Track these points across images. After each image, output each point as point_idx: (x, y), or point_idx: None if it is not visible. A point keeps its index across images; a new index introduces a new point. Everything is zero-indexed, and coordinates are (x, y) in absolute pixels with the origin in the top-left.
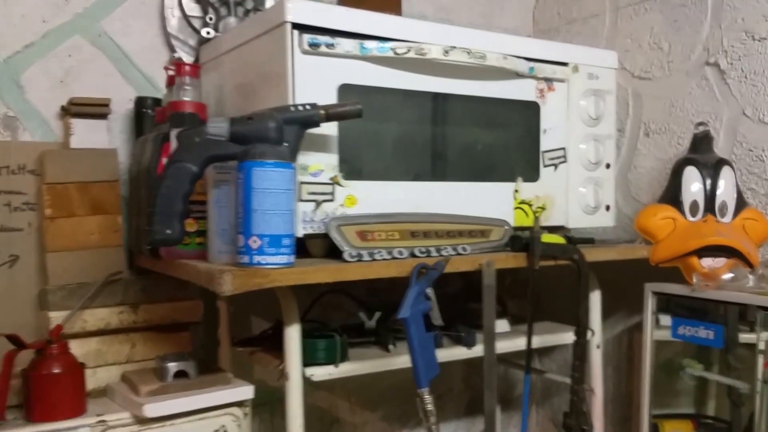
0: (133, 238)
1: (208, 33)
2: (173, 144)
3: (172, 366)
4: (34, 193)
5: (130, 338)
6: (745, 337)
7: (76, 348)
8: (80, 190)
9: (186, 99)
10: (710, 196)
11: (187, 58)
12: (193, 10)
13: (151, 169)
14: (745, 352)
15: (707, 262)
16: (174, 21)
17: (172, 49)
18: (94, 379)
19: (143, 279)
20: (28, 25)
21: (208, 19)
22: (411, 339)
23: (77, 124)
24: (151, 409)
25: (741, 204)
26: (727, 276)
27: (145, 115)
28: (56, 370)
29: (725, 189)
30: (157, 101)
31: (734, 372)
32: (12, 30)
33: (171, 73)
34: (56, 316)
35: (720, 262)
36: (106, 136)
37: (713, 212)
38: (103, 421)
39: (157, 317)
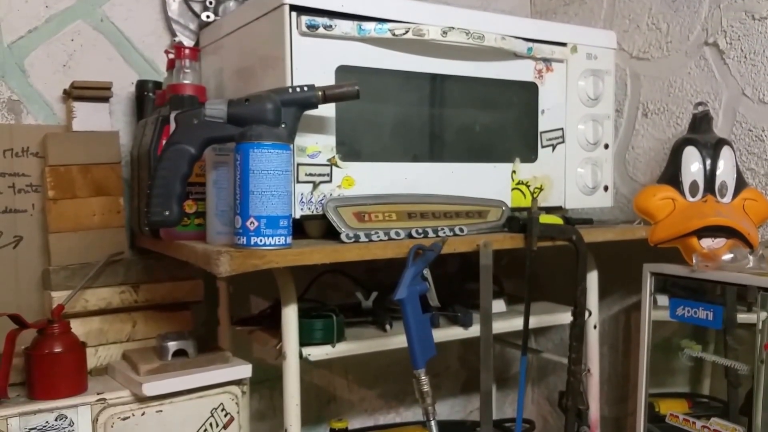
0: (134, 219)
1: (208, 17)
2: (172, 126)
3: (172, 345)
4: (38, 175)
5: (131, 317)
6: (743, 317)
7: (78, 327)
8: (82, 172)
9: (186, 82)
10: (710, 177)
11: (188, 42)
12: None
13: (152, 151)
14: (743, 332)
15: (707, 243)
16: (175, 5)
17: (173, 33)
18: (95, 358)
19: (144, 259)
20: (32, 10)
21: (208, 3)
22: (407, 320)
23: (79, 107)
24: (150, 388)
25: (741, 184)
26: (727, 256)
27: (146, 98)
28: (58, 349)
29: (725, 169)
30: (158, 84)
31: (732, 352)
32: (16, 15)
33: (171, 56)
34: (58, 296)
35: (720, 242)
36: (107, 119)
37: (713, 192)
38: (103, 399)
39: (158, 296)
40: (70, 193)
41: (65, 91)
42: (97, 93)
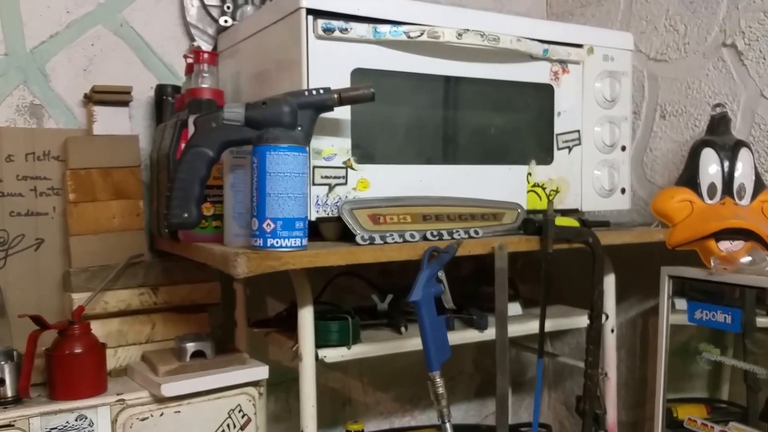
0: (153, 221)
1: (225, 21)
2: (191, 130)
3: (190, 346)
4: (59, 178)
5: (150, 319)
6: (762, 320)
7: (98, 328)
8: (102, 176)
9: (204, 86)
10: (728, 179)
11: (206, 47)
12: None
13: (171, 154)
14: (762, 336)
15: (725, 246)
16: (193, 10)
17: (191, 38)
18: (114, 359)
19: (163, 261)
20: (53, 15)
21: (225, 8)
22: (422, 322)
23: (100, 111)
24: (169, 389)
25: (759, 186)
26: (746, 259)
27: (165, 102)
28: (78, 350)
29: (743, 171)
30: (176, 89)
31: (752, 356)
32: (38, 21)
33: (190, 61)
34: (79, 298)
35: (738, 245)
36: (127, 123)
37: (731, 195)
38: (122, 399)
39: (177, 298)
40: (91, 196)
41: (86, 96)
42: (117, 97)
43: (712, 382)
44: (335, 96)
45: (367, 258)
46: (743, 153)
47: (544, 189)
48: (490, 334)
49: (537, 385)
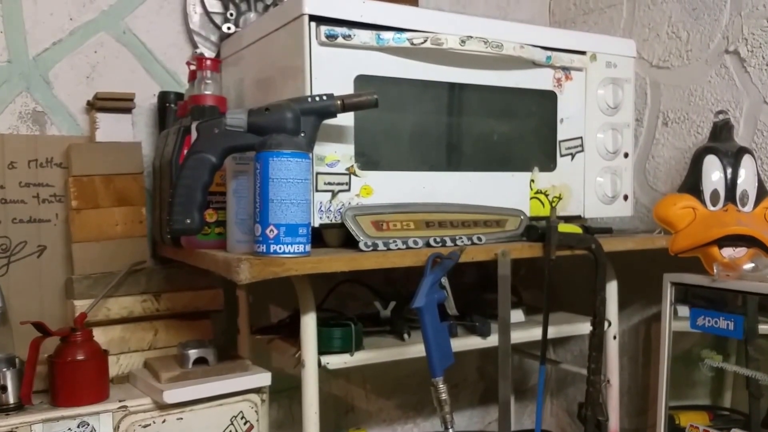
0: (156, 228)
1: (228, 28)
2: (194, 136)
3: (193, 353)
4: (62, 185)
5: (152, 326)
6: (764, 327)
7: (100, 335)
8: (105, 183)
9: (207, 93)
10: (731, 185)
11: (209, 54)
12: (215, 6)
13: (173, 160)
14: (765, 342)
15: (728, 252)
16: (196, 17)
17: (194, 45)
18: (117, 366)
19: (166, 268)
20: (56, 22)
21: (228, 15)
22: (425, 328)
23: (102, 118)
24: (171, 395)
25: (762, 193)
26: (748, 266)
27: (168, 109)
28: (80, 357)
29: (746, 178)
30: (179, 96)
31: (754, 363)
32: (41, 28)
33: (193, 68)
34: (81, 305)
35: (741, 251)
36: (130, 130)
37: (734, 201)
38: (125, 406)
39: (179, 305)
40: (93, 203)
41: (89, 103)
42: (119, 104)
43: (715, 389)
44: (338, 102)
45: (370, 264)
46: (746, 160)
47: (546, 196)
48: (493, 340)
49: (539, 392)
